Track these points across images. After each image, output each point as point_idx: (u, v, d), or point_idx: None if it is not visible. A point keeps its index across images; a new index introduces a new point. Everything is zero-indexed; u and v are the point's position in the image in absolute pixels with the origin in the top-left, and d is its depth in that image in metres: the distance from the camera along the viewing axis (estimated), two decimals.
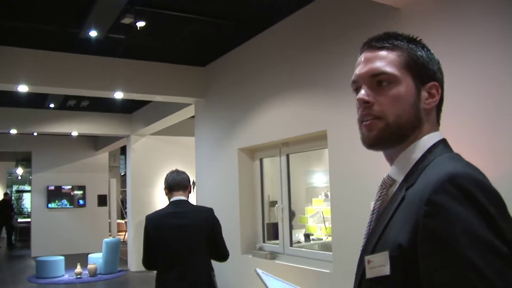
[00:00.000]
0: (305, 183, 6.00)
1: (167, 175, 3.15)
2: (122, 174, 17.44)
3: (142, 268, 2.97)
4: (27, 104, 8.68)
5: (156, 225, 3.00)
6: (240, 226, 5.34)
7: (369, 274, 0.92)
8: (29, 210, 17.64)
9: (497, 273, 0.75)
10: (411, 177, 0.95)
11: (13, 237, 14.79)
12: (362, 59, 1.04)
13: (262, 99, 5.01)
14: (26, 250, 13.06)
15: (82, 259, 10.08)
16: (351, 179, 3.73)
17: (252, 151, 5.48)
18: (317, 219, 5.27)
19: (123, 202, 15.55)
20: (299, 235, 5.39)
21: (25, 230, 14.92)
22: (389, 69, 0.99)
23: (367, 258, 0.93)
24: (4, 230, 14.75)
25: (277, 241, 5.10)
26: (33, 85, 5.41)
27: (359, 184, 3.61)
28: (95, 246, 12.49)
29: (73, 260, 10.10)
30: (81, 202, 12.78)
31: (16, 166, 16.91)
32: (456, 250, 0.77)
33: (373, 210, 1.05)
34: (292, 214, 5.02)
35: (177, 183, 3.09)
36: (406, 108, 0.98)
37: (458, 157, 0.95)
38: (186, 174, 3.20)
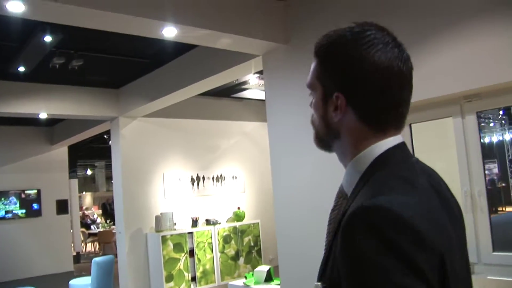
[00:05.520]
0: None
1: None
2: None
3: None
4: None
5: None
6: None
7: None
8: None
9: None
10: (352, 195, 0.91)
11: None
12: None
13: (408, 37, 3.17)
14: None
15: (56, 286, 7.54)
16: None
17: None
18: None
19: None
20: None
21: None
22: None
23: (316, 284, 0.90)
24: None
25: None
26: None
27: None
28: (58, 265, 9.85)
29: None
30: (35, 206, 9.89)
31: None
32: (354, 278, 0.77)
33: (330, 220, 1.00)
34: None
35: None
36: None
37: (395, 177, 0.85)
38: None
